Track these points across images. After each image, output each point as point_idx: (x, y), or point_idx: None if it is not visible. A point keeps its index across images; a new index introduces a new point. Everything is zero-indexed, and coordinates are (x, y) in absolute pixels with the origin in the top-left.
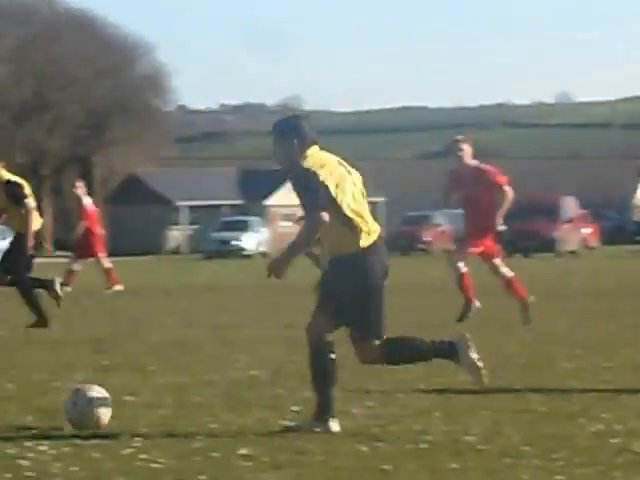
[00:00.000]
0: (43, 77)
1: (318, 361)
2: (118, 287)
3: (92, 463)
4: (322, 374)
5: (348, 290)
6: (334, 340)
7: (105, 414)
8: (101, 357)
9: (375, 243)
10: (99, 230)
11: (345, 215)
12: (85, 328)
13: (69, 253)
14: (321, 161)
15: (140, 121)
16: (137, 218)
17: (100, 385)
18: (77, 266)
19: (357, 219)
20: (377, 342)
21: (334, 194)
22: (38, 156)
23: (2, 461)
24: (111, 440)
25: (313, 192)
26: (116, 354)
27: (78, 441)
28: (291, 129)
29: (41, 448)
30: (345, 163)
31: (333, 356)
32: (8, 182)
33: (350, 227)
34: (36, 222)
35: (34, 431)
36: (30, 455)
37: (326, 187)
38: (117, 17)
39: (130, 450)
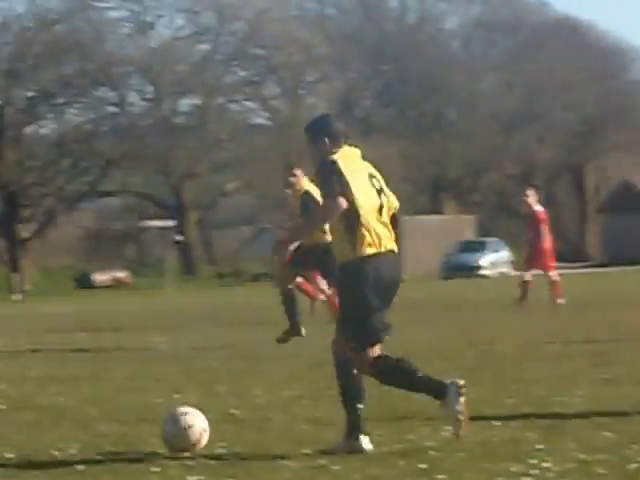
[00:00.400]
0: (533, 86)
1: (341, 377)
2: (560, 300)
3: None
4: (345, 390)
5: (347, 297)
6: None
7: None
8: (601, 370)
9: (377, 255)
10: (549, 241)
11: (356, 219)
12: (584, 341)
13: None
14: (349, 160)
15: (634, 127)
16: (633, 227)
17: (601, 398)
18: (528, 276)
19: (365, 227)
20: (364, 354)
21: (353, 192)
22: (528, 166)
23: (509, 479)
24: (616, 456)
25: (331, 178)
26: (617, 366)
27: (583, 456)
28: (322, 128)
29: (545, 465)
30: (372, 168)
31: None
32: (306, 192)
33: (353, 234)
34: None
35: (538, 447)
36: (534, 472)
37: (346, 180)
38: (604, 22)
39: (636, 465)
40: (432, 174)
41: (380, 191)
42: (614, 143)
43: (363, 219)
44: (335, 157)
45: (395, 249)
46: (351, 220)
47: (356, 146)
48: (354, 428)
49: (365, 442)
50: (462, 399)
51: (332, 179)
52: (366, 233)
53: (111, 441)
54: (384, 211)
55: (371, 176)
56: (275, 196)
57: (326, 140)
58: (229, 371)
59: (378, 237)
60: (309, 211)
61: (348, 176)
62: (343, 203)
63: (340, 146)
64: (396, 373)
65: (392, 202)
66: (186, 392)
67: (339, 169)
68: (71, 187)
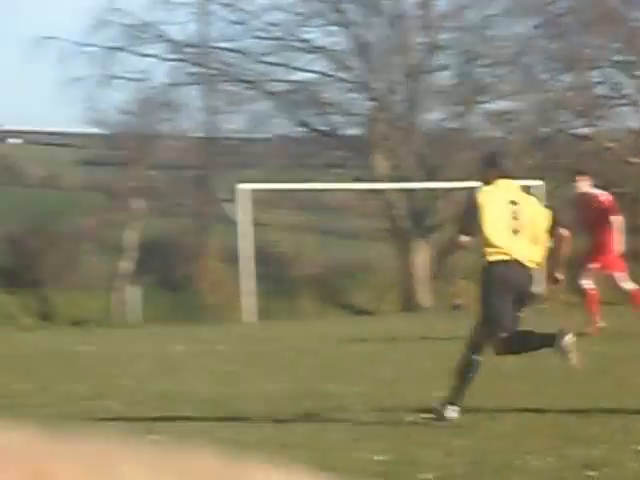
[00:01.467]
0: None
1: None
2: None
3: None
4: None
5: (481, 292)
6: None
7: None
8: None
9: (504, 261)
10: None
11: (483, 233)
12: None
13: None
14: (493, 191)
15: None
16: None
17: None
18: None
19: (491, 240)
20: (498, 336)
21: (481, 215)
22: None
23: None
24: None
25: (465, 212)
26: None
27: None
28: (490, 161)
29: None
30: (518, 195)
31: (476, 357)
32: None
33: (484, 244)
34: None
35: None
36: None
37: (477, 207)
38: None
39: None
40: None
41: (515, 217)
42: None
43: (489, 236)
44: (482, 189)
45: (524, 260)
46: (483, 236)
47: (512, 178)
48: (456, 399)
49: (452, 412)
50: (572, 342)
51: (467, 209)
52: (490, 247)
53: None
54: (518, 229)
55: (513, 203)
56: None
57: (490, 171)
58: None
59: (506, 249)
60: None
61: (485, 205)
62: (464, 238)
63: (499, 178)
64: (517, 344)
65: (531, 222)
66: None
67: (478, 201)
68: None
